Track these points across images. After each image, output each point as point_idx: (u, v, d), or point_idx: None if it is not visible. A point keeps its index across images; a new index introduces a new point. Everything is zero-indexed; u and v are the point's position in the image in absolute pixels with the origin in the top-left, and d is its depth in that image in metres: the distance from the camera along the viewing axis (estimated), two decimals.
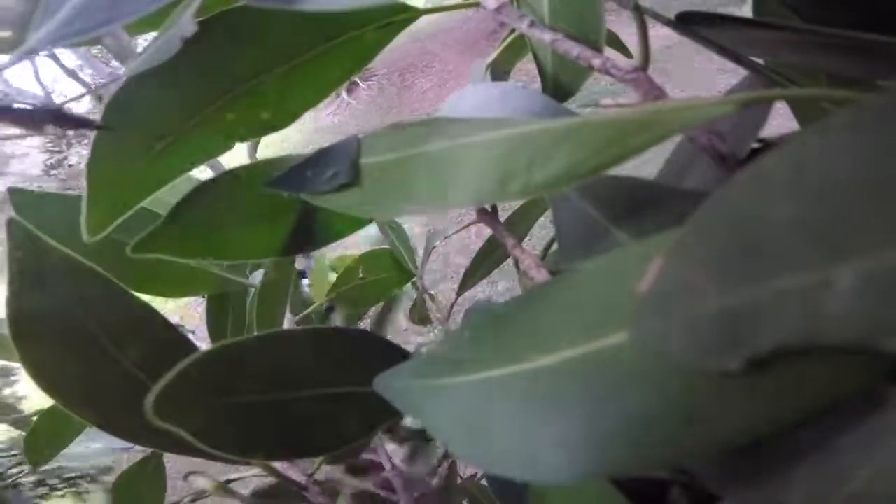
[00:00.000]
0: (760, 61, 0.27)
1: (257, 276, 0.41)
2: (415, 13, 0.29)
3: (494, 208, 0.35)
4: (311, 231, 0.28)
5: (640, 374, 0.12)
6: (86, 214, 0.25)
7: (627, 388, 0.12)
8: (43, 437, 0.44)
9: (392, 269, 0.55)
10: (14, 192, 0.33)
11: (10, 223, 0.24)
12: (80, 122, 0.24)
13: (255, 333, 0.26)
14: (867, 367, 0.11)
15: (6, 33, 0.29)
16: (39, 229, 0.24)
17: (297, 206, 0.27)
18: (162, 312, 0.27)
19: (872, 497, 0.11)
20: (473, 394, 0.15)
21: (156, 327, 0.27)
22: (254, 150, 0.52)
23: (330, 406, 0.25)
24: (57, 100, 0.24)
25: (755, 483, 0.13)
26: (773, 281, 0.11)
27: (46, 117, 0.23)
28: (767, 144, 0.25)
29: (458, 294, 0.54)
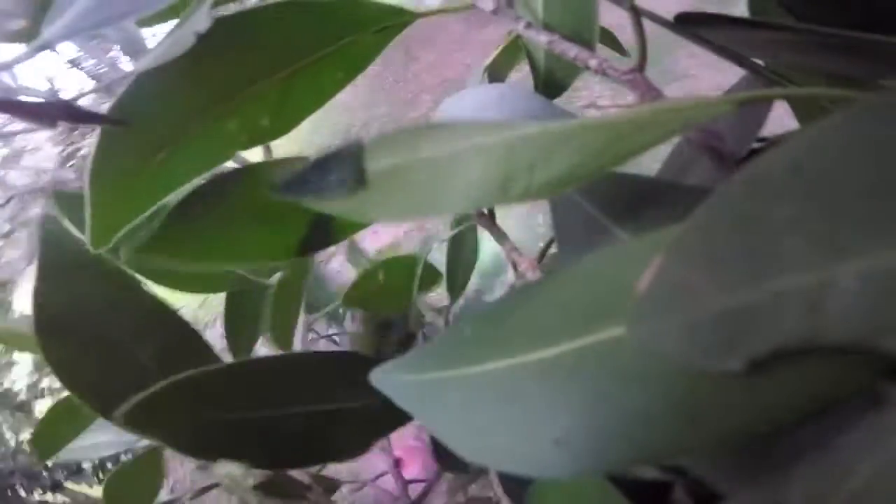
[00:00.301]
0: (760, 62, 0.27)
1: (276, 276, 0.41)
2: (410, 16, 0.29)
3: (492, 211, 0.35)
4: (325, 230, 0.28)
5: (637, 370, 0.12)
6: (89, 224, 0.25)
7: (624, 383, 0.12)
8: (51, 431, 0.44)
9: (413, 276, 0.53)
10: (56, 194, 0.34)
11: (45, 220, 0.25)
12: (91, 117, 0.24)
13: (236, 361, 0.26)
14: (867, 366, 0.10)
15: (21, 23, 0.29)
16: (63, 222, 0.25)
17: (292, 210, 0.27)
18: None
19: (873, 495, 0.11)
20: (471, 388, 0.15)
21: (171, 324, 0.28)
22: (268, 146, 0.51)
23: (322, 423, 0.26)
24: (61, 93, 0.24)
25: (756, 482, 0.13)
26: (772, 281, 0.11)
27: (57, 111, 0.23)
28: (768, 144, 0.25)
29: (451, 301, 0.54)
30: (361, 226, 0.29)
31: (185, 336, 0.28)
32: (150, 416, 0.23)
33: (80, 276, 0.25)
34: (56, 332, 0.25)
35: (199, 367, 0.24)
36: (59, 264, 0.25)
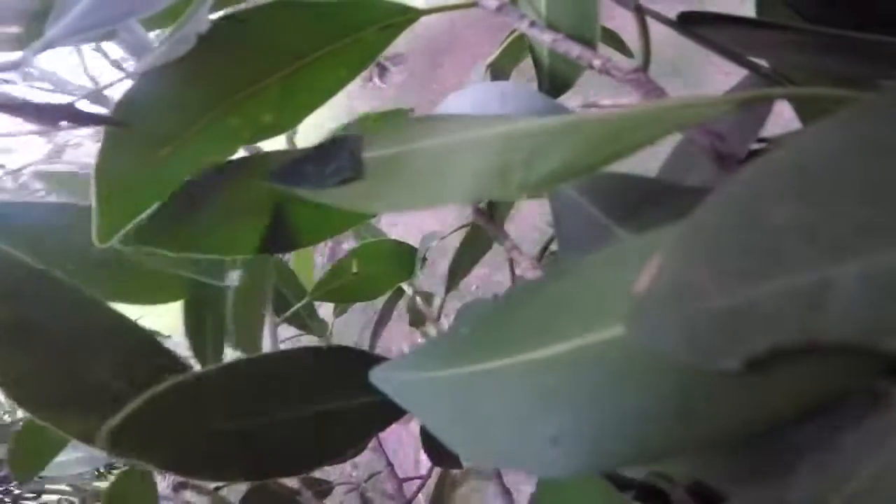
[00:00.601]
0: (762, 62, 0.27)
1: (235, 277, 0.40)
2: (415, 14, 0.29)
3: (490, 208, 0.35)
4: (292, 230, 0.28)
5: (634, 369, 0.12)
6: (96, 220, 0.25)
7: (622, 382, 0.12)
8: (27, 450, 0.42)
9: (391, 262, 0.51)
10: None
11: None
12: (93, 119, 0.24)
13: (220, 364, 0.25)
14: (867, 366, 0.10)
15: (13, 29, 0.29)
16: (6, 239, 0.24)
17: (278, 204, 0.27)
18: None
19: (874, 496, 0.11)
20: (469, 387, 0.15)
21: (131, 335, 0.27)
22: (291, 137, 0.49)
23: (312, 425, 0.25)
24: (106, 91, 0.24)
25: (757, 482, 0.13)
26: (773, 280, 0.11)
27: (58, 113, 0.23)
28: (768, 144, 0.25)
29: (446, 292, 0.53)
30: (343, 226, 0.29)
31: (147, 346, 0.27)
32: (132, 437, 0.22)
33: (21, 289, 0.24)
34: (3, 350, 0.24)
35: (165, 378, 0.22)
36: (2, 280, 0.24)
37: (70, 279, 0.25)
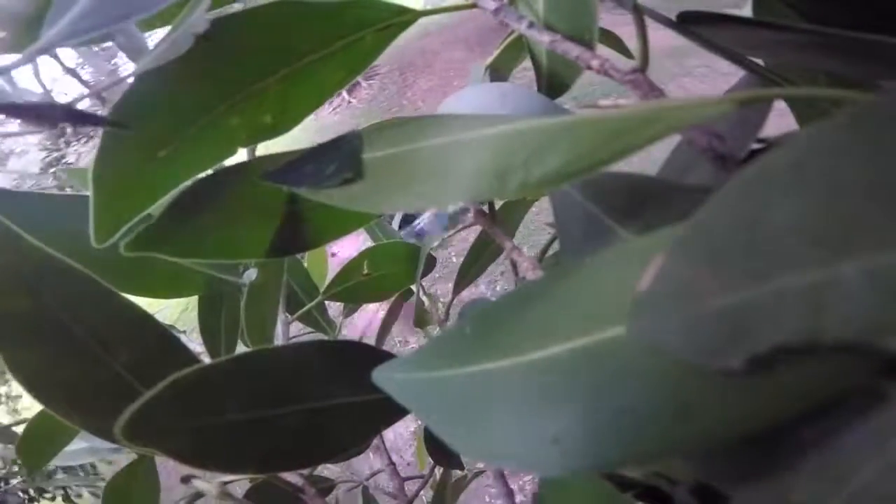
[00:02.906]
0: (760, 62, 0.27)
1: (251, 275, 0.40)
2: (413, 15, 0.29)
3: (492, 210, 0.35)
4: (300, 232, 0.28)
5: (634, 369, 0.12)
6: (93, 221, 0.25)
7: (622, 382, 0.12)
8: (37, 441, 0.43)
9: (403, 263, 0.51)
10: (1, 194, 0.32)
11: None
12: (91, 120, 0.24)
13: (233, 355, 0.25)
14: (868, 366, 0.10)
15: (1, 34, 0.29)
16: (24, 230, 0.24)
17: (285, 206, 0.27)
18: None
19: (875, 495, 0.11)
20: (471, 387, 0.15)
21: (146, 329, 0.27)
22: (253, 150, 0.49)
23: (319, 419, 0.25)
24: (58, 98, 0.24)
25: (759, 482, 0.13)
26: (774, 280, 0.11)
27: (58, 114, 0.23)
28: (768, 145, 0.25)
29: (454, 294, 0.53)
30: (349, 228, 0.29)
31: (162, 341, 0.27)
32: (147, 428, 0.22)
33: (39, 280, 0.24)
34: (18, 340, 0.24)
35: (178, 371, 0.22)
36: (15, 269, 0.23)
37: (88, 272, 0.25)
